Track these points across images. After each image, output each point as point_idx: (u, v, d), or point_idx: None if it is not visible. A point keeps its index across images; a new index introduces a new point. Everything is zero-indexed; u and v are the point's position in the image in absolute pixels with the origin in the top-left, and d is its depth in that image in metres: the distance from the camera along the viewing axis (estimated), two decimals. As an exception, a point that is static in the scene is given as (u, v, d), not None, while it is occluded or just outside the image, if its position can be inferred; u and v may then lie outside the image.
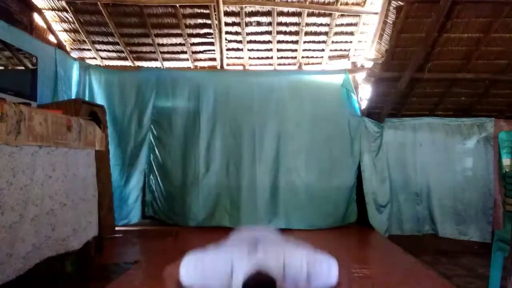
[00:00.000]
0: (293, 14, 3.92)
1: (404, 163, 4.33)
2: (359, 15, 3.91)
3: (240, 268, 1.33)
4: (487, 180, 4.22)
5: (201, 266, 1.44)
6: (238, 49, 4.37)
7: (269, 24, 4.03)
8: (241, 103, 4.24)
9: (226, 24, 3.98)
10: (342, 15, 3.91)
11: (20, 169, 1.76)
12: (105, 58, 4.50)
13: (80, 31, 4.06)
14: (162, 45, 4.30)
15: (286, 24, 4.06)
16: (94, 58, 4.46)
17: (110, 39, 4.20)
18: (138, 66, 4.53)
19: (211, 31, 4.07)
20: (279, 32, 4.14)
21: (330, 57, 4.50)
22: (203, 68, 4.60)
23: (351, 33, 4.16)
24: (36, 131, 1.87)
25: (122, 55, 4.43)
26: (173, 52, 4.42)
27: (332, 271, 1.46)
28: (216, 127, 4.23)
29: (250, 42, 4.27)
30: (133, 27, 4.05)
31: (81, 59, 4.32)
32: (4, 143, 1.64)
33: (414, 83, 3.92)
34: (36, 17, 3.76)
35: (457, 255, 3.53)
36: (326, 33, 4.15)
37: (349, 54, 4.45)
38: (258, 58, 4.52)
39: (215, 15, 3.81)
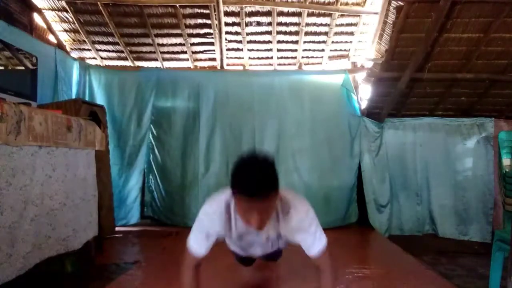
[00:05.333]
0: (293, 14, 3.92)
1: (404, 163, 4.33)
2: (359, 15, 3.92)
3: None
4: (487, 180, 4.22)
5: (199, 225, 1.56)
6: (238, 49, 4.37)
7: (269, 24, 4.03)
8: (241, 103, 4.24)
9: (226, 24, 3.98)
10: (342, 15, 3.91)
11: (20, 169, 1.76)
12: (105, 58, 4.50)
13: (80, 31, 4.06)
14: (162, 45, 4.30)
15: (286, 24, 4.06)
16: (94, 58, 4.46)
17: (110, 39, 4.20)
18: (138, 66, 4.53)
19: (211, 31, 4.08)
20: (279, 32, 4.14)
21: (330, 57, 4.50)
22: (203, 68, 4.60)
23: (351, 33, 4.17)
24: (36, 131, 1.87)
25: (122, 55, 4.43)
26: (173, 52, 4.42)
27: (314, 246, 1.54)
28: (216, 127, 4.23)
29: (250, 42, 4.27)
30: (133, 27, 4.05)
31: (81, 59, 4.32)
32: (4, 143, 1.64)
33: (414, 83, 3.92)
34: (36, 17, 3.76)
35: (457, 255, 3.53)
36: (326, 33, 4.15)
37: (349, 54, 4.45)
38: (258, 58, 4.52)
39: (215, 15, 3.81)
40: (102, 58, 4.48)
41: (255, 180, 1.22)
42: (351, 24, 4.06)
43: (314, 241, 1.53)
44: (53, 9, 3.81)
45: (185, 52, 4.40)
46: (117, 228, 3.72)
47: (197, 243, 1.53)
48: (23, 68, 3.18)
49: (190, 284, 1.53)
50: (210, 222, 1.51)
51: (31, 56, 3.20)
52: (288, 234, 1.56)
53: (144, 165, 4.20)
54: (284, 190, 1.53)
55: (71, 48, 4.33)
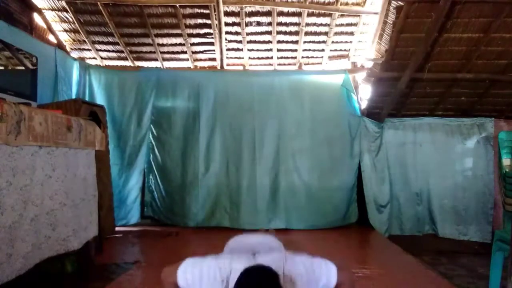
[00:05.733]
0: (293, 14, 3.91)
1: (404, 163, 4.34)
2: (359, 15, 3.91)
3: (238, 269, 1.32)
4: (487, 180, 4.22)
5: (198, 271, 1.43)
6: (238, 49, 4.37)
7: (269, 24, 4.03)
8: (241, 103, 4.24)
9: (226, 24, 3.98)
10: (342, 15, 3.91)
11: (20, 169, 1.76)
12: (105, 58, 4.50)
13: (80, 31, 4.06)
14: (162, 45, 4.30)
15: (286, 24, 4.06)
16: (94, 58, 4.46)
17: (110, 39, 4.20)
18: (138, 66, 4.53)
19: (211, 31, 4.07)
20: (279, 32, 4.14)
21: (330, 57, 4.50)
22: (203, 68, 4.60)
23: (351, 33, 4.16)
24: (36, 131, 1.87)
25: (122, 55, 4.43)
26: (173, 52, 4.42)
27: (331, 275, 1.42)
28: (216, 127, 4.23)
29: (250, 42, 4.27)
30: (133, 27, 4.05)
31: (81, 59, 4.32)
32: (4, 143, 1.64)
33: (414, 83, 3.92)
34: (36, 17, 3.76)
35: (457, 255, 3.53)
36: (326, 33, 4.15)
37: (349, 54, 4.45)
38: (258, 58, 4.52)
39: (215, 15, 3.81)
40: (102, 58, 4.48)
41: None
42: (351, 24, 4.06)
43: (326, 271, 1.46)
44: (53, 9, 3.81)
45: (185, 52, 4.40)
46: (117, 228, 3.72)
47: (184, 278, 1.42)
48: (23, 68, 3.18)
49: None
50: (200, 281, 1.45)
51: (31, 56, 3.20)
52: None
53: (144, 165, 4.20)
54: (279, 260, 1.45)
55: (71, 48, 4.33)
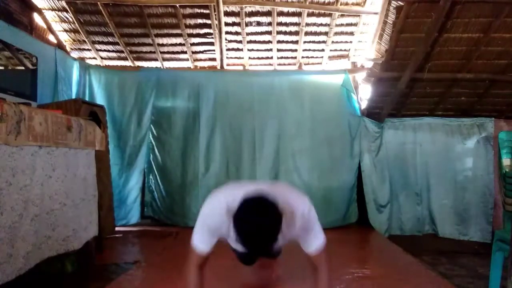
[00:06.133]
0: (293, 14, 3.91)
1: (404, 163, 4.33)
2: (359, 15, 3.91)
3: (238, 197, 1.35)
4: (487, 180, 4.22)
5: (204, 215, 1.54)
6: (238, 49, 4.37)
7: (269, 24, 4.03)
8: (241, 103, 4.24)
9: (226, 24, 3.98)
10: (342, 15, 3.91)
11: (20, 169, 1.76)
12: (105, 58, 4.50)
13: (80, 31, 4.06)
14: (162, 45, 4.30)
15: (286, 24, 4.06)
16: (94, 58, 4.46)
17: (110, 39, 4.20)
18: (138, 66, 4.53)
19: (211, 31, 4.07)
20: (279, 32, 4.14)
21: (330, 57, 4.50)
22: (203, 68, 4.60)
23: (351, 33, 4.16)
24: (36, 131, 1.87)
25: (122, 55, 4.43)
26: (173, 52, 4.42)
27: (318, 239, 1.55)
28: (216, 127, 4.23)
29: (250, 42, 4.27)
30: (133, 27, 4.05)
31: (81, 59, 4.32)
32: (4, 143, 1.64)
33: (414, 83, 3.92)
34: (36, 17, 3.76)
35: (457, 255, 3.53)
36: (326, 33, 4.15)
37: (349, 54, 4.45)
38: (258, 58, 4.52)
39: (215, 15, 3.81)
40: (102, 58, 4.48)
41: (257, 245, 1.27)
42: (351, 24, 4.06)
43: (312, 239, 1.54)
44: (53, 9, 3.81)
45: (185, 52, 4.40)
46: (117, 228, 3.72)
47: (201, 241, 1.54)
48: (23, 68, 3.18)
49: (195, 282, 1.53)
50: (212, 221, 1.51)
51: (31, 56, 3.20)
52: (290, 235, 1.56)
53: (144, 165, 4.20)
54: (284, 190, 1.53)
55: (71, 48, 4.33)
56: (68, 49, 4.27)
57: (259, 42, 4.27)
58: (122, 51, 4.37)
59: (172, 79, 4.30)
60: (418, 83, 3.94)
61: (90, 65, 4.32)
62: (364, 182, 4.17)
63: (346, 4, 3.79)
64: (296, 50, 4.39)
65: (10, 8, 3.34)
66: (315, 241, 1.54)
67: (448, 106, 4.37)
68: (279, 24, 4.04)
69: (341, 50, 4.42)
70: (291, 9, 3.84)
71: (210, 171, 4.18)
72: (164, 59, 4.50)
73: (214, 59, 4.47)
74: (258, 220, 1.23)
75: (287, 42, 4.27)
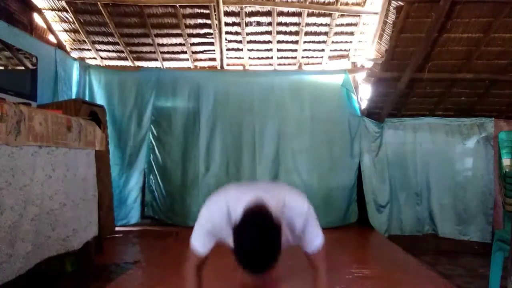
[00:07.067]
0: (293, 14, 3.91)
1: (404, 163, 4.33)
2: (359, 15, 3.91)
3: (238, 203, 1.33)
4: (487, 180, 4.22)
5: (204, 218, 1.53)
6: (238, 49, 4.37)
7: (269, 24, 4.03)
8: (241, 103, 4.24)
9: (226, 24, 3.98)
10: (342, 15, 3.91)
11: (20, 169, 1.76)
12: (105, 58, 4.50)
13: (80, 31, 4.06)
14: (162, 45, 4.30)
15: (286, 24, 4.06)
16: (94, 58, 4.46)
17: (110, 39, 4.20)
18: (138, 66, 4.53)
19: (211, 31, 4.07)
20: (279, 32, 4.14)
21: (330, 57, 4.50)
22: (203, 68, 4.60)
23: (351, 33, 4.16)
24: (36, 131, 1.87)
25: (122, 55, 4.43)
26: (173, 52, 4.42)
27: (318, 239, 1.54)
28: (216, 127, 4.23)
29: (250, 42, 4.27)
30: (133, 27, 4.05)
31: (81, 59, 4.32)
32: (4, 143, 1.64)
33: (414, 83, 3.92)
34: (36, 17, 3.76)
35: (457, 255, 3.54)
36: (326, 33, 4.15)
37: (349, 54, 4.44)
38: (258, 58, 4.52)
39: (215, 15, 3.81)
40: (102, 58, 4.48)
41: (257, 263, 1.22)
42: (351, 24, 4.06)
43: (312, 238, 1.54)
44: (53, 9, 3.81)
45: (185, 52, 4.40)
46: (117, 228, 3.72)
47: (200, 242, 1.53)
48: (23, 68, 3.18)
49: (193, 283, 1.53)
50: (212, 226, 1.50)
51: (31, 56, 3.20)
52: (290, 243, 1.55)
53: (144, 165, 4.20)
54: (283, 190, 1.53)
55: (71, 48, 4.33)
56: (68, 49, 4.27)
57: (259, 42, 4.27)
58: (122, 51, 4.37)
59: (172, 79, 4.30)
60: (418, 83, 3.93)
61: (90, 65, 4.32)
62: (364, 182, 4.17)
63: (346, 4, 3.79)
64: (296, 50, 4.38)
65: (10, 8, 3.34)
66: (315, 241, 1.54)
67: (448, 106, 4.37)
68: (279, 24, 4.04)
69: (341, 50, 4.42)
70: (291, 9, 3.84)
71: (210, 171, 4.18)
72: (164, 59, 4.50)
73: (214, 59, 4.47)
74: (258, 248, 1.20)
75: (287, 42, 4.27)
